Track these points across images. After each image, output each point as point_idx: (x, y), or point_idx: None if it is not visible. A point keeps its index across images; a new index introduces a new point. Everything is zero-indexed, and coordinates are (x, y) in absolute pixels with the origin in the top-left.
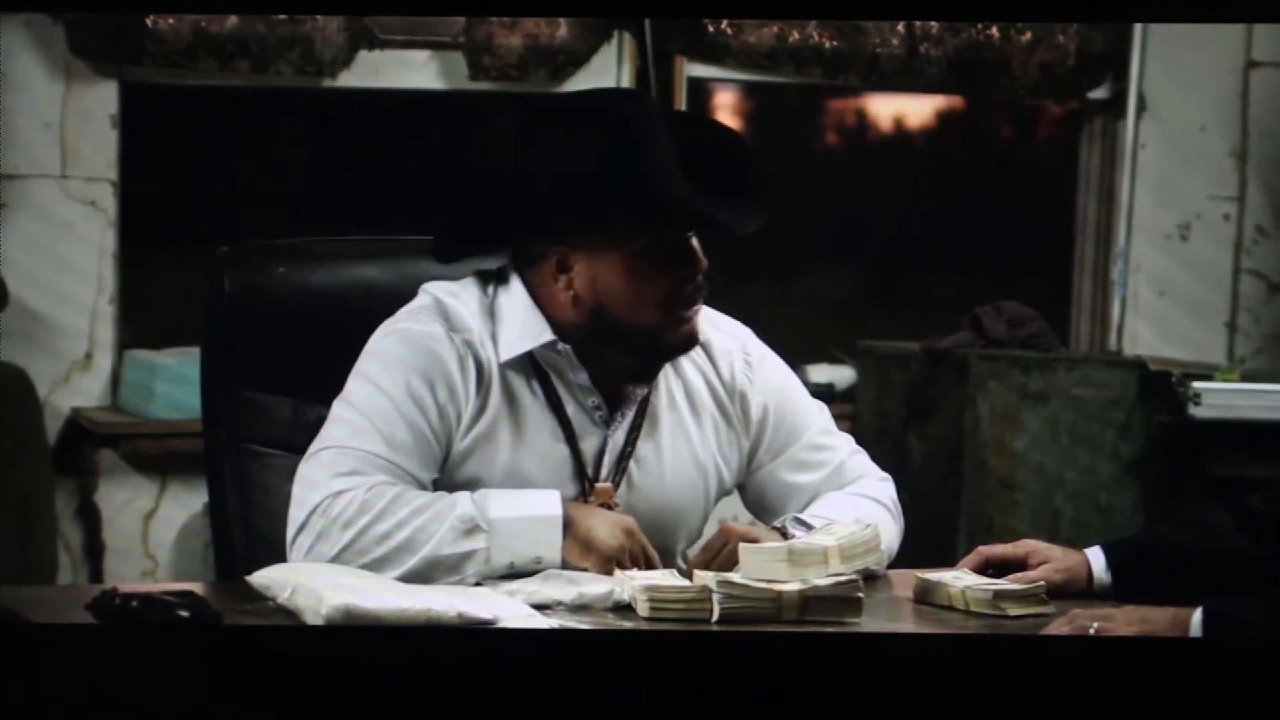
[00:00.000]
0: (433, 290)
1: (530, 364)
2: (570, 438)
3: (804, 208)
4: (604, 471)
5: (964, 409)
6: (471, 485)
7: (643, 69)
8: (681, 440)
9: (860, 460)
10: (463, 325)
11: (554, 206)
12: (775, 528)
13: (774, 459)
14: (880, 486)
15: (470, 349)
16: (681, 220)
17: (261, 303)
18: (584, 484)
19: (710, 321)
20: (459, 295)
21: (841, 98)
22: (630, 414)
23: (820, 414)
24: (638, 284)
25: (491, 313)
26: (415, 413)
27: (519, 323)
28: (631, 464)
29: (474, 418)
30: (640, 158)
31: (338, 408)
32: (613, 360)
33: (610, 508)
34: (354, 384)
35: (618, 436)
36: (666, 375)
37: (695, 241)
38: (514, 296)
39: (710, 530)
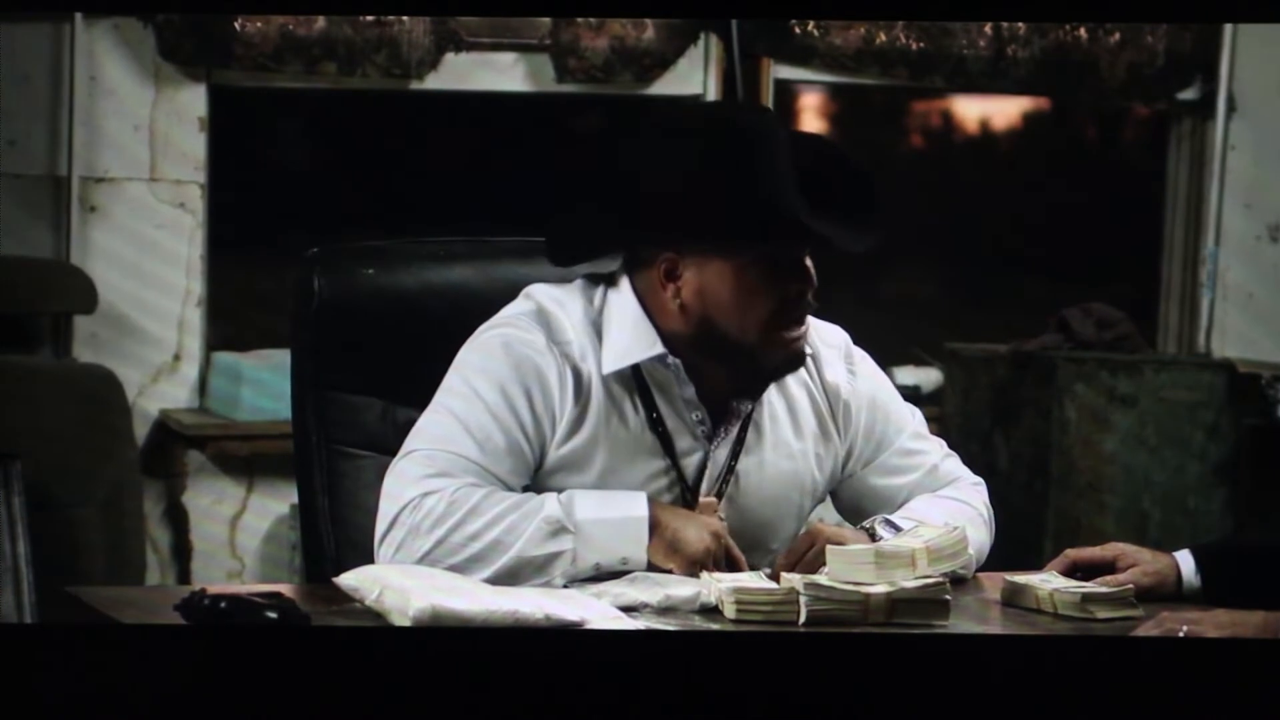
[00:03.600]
0: (536, 295)
1: (632, 378)
2: (670, 453)
3: (890, 209)
4: (704, 487)
5: (1051, 411)
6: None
7: (729, 71)
8: (783, 455)
9: (953, 464)
10: (563, 336)
11: (669, 213)
12: (863, 528)
13: (865, 465)
14: (972, 491)
15: (569, 360)
16: (793, 236)
17: (351, 304)
18: (686, 499)
19: (814, 330)
20: (564, 304)
21: (928, 99)
22: (734, 430)
23: (913, 418)
24: (745, 297)
25: (597, 324)
26: (510, 419)
27: (629, 334)
28: (733, 480)
29: (570, 430)
30: (759, 171)
31: (432, 409)
32: (718, 375)
33: None
34: (449, 386)
35: (719, 454)
36: (770, 391)
37: (809, 261)
38: (624, 306)
39: None
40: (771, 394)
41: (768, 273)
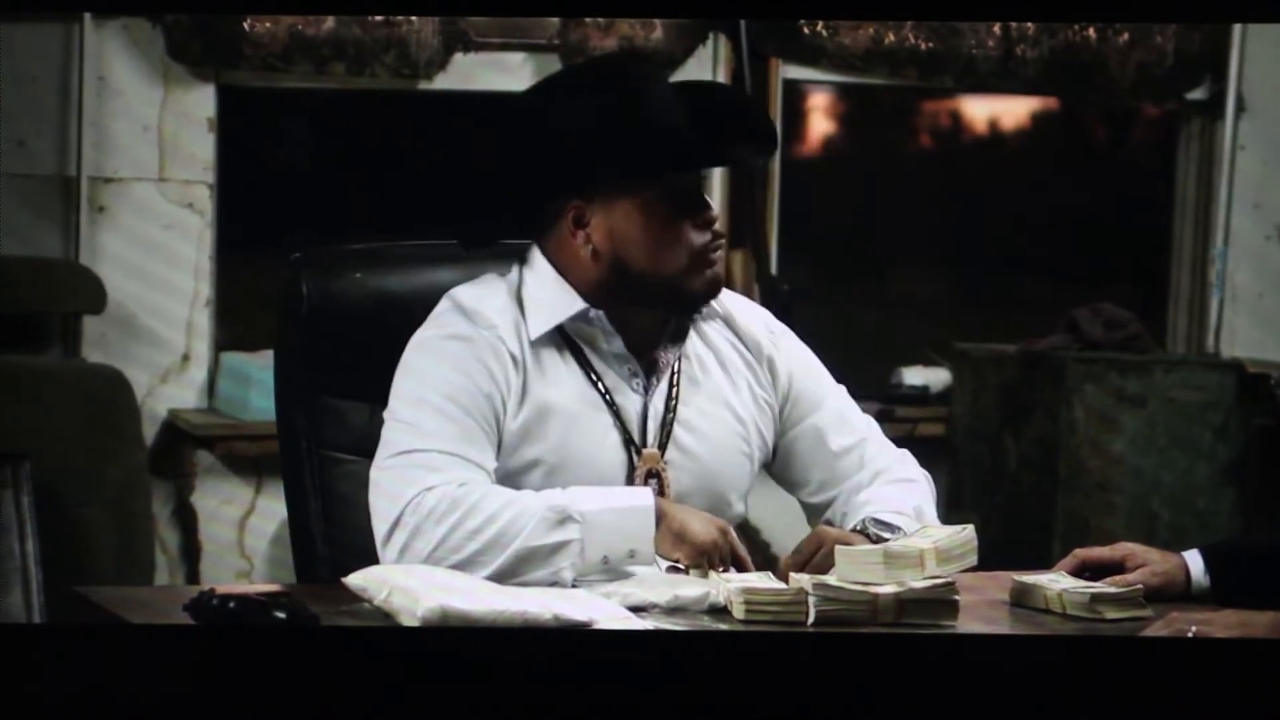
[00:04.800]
0: (454, 295)
1: (562, 340)
2: (612, 406)
3: (900, 209)
4: (649, 438)
5: (1060, 412)
6: (528, 468)
7: (738, 70)
8: (720, 402)
9: (879, 435)
10: (487, 322)
11: (566, 160)
12: (857, 530)
13: (796, 425)
14: (909, 465)
15: (501, 341)
16: (687, 157)
17: (338, 308)
18: (631, 450)
19: (731, 298)
20: (482, 296)
21: (937, 99)
22: (665, 380)
23: (841, 393)
24: (655, 231)
25: (519, 298)
26: (465, 399)
27: (548, 298)
28: (676, 428)
29: (518, 403)
30: (645, 104)
31: (391, 418)
32: (642, 324)
33: (659, 474)
34: (399, 392)
35: (656, 403)
36: (695, 344)
37: (708, 198)
38: (540, 273)
39: (794, 527)
40: (698, 347)
41: (673, 205)
